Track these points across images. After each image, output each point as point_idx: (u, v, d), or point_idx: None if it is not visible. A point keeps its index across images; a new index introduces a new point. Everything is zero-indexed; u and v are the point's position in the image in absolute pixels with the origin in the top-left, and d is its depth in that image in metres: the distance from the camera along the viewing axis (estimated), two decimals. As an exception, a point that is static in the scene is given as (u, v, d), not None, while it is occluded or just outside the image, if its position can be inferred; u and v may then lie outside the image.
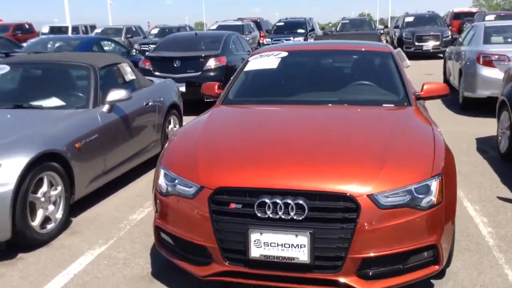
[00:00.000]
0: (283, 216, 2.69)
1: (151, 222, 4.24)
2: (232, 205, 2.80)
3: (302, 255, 2.68)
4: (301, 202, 2.68)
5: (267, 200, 2.71)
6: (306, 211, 2.67)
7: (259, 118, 3.90)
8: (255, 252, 2.74)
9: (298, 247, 2.68)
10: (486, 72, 8.50)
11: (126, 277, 3.38)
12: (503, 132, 6.13)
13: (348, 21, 24.12)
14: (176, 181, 3.03)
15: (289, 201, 2.69)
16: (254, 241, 2.73)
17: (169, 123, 6.34)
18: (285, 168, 2.88)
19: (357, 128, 3.52)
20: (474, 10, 27.83)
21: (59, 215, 4.09)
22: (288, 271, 2.76)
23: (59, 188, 4.08)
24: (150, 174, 5.72)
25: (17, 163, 3.64)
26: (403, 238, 2.73)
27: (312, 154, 3.03)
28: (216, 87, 4.48)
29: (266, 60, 4.54)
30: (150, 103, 5.77)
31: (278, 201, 2.70)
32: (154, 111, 5.88)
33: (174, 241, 3.06)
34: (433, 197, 2.79)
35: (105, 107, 4.88)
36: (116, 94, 4.90)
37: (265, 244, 2.72)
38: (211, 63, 9.50)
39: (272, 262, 2.74)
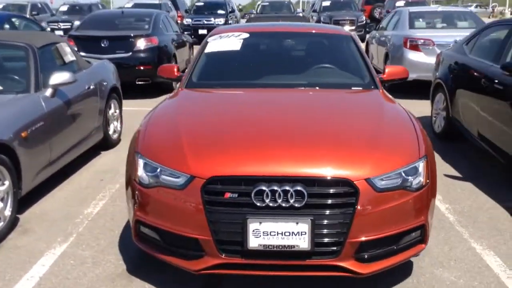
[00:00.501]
0: (282, 204, 2.61)
1: (110, 216, 4.00)
2: (227, 195, 2.67)
3: (303, 243, 2.62)
4: (300, 188, 2.61)
5: (264, 188, 2.61)
6: (306, 198, 2.61)
7: (235, 102, 3.75)
8: (253, 242, 2.63)
9: (298, 235, 2.62)
10: (413, 56, 8.90)
11: (100, 276, 3.13)
12: (437, 113, 6.46)
13: (267, 3, 24.18)
14: (159, 170, 2.82)
15: (288, 188, 2.61)
16: (253, 231, 2.62)
17: (110, 108, 5.95)
18: (280, 154, 2.78)
19: (336, 112, 3.51)
20: (383, -5, 29.00)
21: (7, 212, 3.68)
22: (286, 259, 2.69)
23: (7, 182, 3.66)
24: (93, 164, 5.36)
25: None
26: (397, 220, 2.77)
27: (302, 139, 2.97)
28: (175, 69, 4.26)
29: (227, 42, 4.37)
30: (91, 87, 5.36)
31: (276, 188, 2.61)
32: (96, 95, 5.48)
33: (160, 235, 2.86)
34: (421, 178, 2.85)
35: (48, 91, 4.45)
36: (59, 77, 4.48)
37: (264, 233, 2.62)
38: (142, 43, 9.06)
39: (271, 252, 2.66)
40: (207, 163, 2.74)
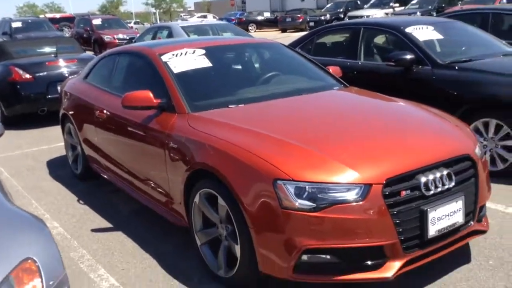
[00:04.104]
0: (441, 189, 2.85)
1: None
2: (403, 193, 2.74)
3: (459, 218, 2.94)
4: (448, 171, 2.90)
5: (427, 178, 2.80)
6: (454, 178, 2.92)
7: (284, 114, 3.51)
8: (431, 230, 2.80)
9: (456, 212, 2.92)
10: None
11: None
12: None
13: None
14: (320, 189, 2.63)
15: (441, 173, 2.87)
16: (431, 219, 2.78)
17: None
18: (416, 146, 3.00)
19: (377, 106, 3.82)
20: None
21: None
22: (448, 237, 2.94)
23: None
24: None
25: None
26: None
27: (408, 131, 3.21)
28: (151, 95, 3.65)
29: (190, 59, 4.01)
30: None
31: (434, 176, 2.83)
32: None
33: (339, 256, 2.67)
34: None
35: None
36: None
37: (438, 219, 2.83)
38: None
39: (441, 235, 2.87)
40: (376, 168, 2.74)
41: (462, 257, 3.34)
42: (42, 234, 2.23)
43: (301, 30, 29.30)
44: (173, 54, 4.06)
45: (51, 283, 2.07)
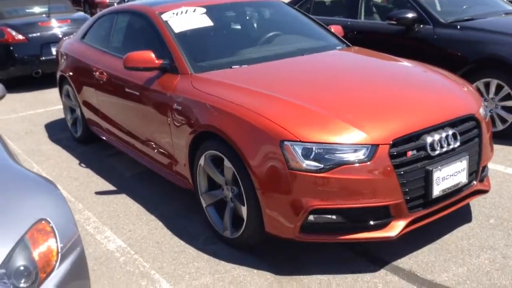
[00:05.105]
0: (446, 149, 2.87)
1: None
2: (409, 153, 2.75)
3: (463, 178, 2.97)
4: (454, 131, 2.91)
5: (433, 138, 2.81)
6: (459, 138, 2.93)
7: (292, 74, 3.48)
8: (436, 190, 2.83)
9: (461, 171, 2.95)
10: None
11: None
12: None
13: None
14: (328, 150, 2.64)
15: (447, 133, 2.87)
16: (436, 179, 2.80)
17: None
18: (422, 106, 2.99)
19: (384, 65, 3.78)
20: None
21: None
22: (451, 197, 2.97)
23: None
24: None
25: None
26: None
27: (414, 91, 3.19)
28: (153, 56, 3.59)
29: (190, 18, 3.93)
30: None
31: (440, 136, 2.84)
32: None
33: (345, 215, 2.71)
34: None
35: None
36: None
37: (443, 179, 2.85)
38: None
39: (445, 195, 2.90)
40: (382, 129, 2.74)
41: (463, 216, 3.39)
42: (54, 195, 2.24)
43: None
44: (173, 13, 3.98)
45: (65, 243, 2.09)
